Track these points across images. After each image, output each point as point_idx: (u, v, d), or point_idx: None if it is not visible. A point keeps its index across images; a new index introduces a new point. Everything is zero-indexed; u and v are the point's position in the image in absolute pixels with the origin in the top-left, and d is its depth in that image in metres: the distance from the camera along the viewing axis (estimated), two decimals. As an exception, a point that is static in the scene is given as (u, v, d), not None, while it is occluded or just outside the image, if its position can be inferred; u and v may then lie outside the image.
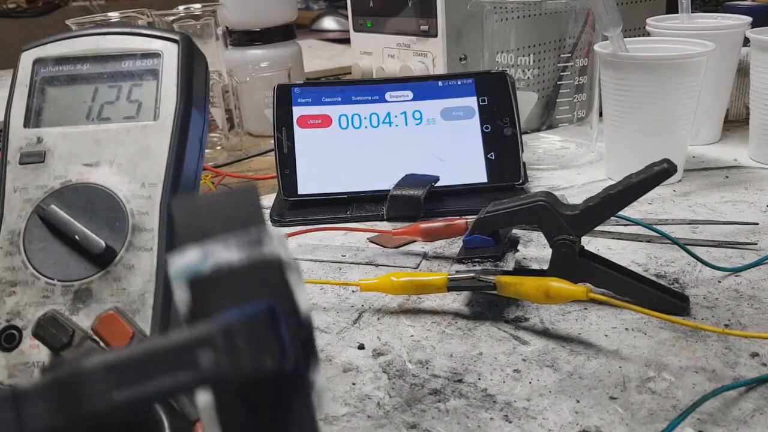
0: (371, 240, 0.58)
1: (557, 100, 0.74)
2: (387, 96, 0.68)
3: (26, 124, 0.40)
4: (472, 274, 0.44)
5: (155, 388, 0.19)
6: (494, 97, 0.67)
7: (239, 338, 0.19)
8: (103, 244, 0.36)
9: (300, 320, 0.21)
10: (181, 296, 0.21)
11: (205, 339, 0.19)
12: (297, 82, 0.69)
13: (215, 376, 0.19)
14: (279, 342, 0.20)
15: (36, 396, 0.18)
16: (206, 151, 0.57)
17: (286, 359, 0.20)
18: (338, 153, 0.65)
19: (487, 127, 0.66)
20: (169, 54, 0.41)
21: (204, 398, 0.20)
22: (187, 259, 0.21)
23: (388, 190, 0.61)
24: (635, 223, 0.53)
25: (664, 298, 0.43)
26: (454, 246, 0.56)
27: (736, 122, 0.82)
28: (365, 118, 0.67)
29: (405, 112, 0.67)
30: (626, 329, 0.43)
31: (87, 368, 0.18)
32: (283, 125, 0.65)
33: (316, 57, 1.37)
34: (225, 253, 0.21)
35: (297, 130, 0.65)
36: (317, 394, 0.21)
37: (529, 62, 0.75)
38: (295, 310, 0.21)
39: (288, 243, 0.22)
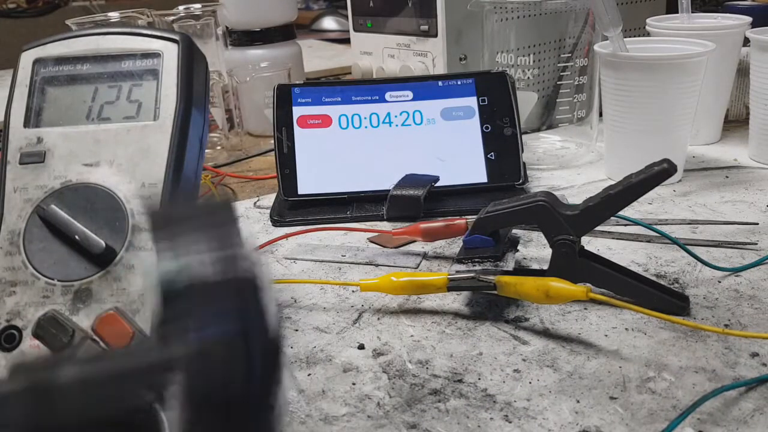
0: (371, 240, 0.58)
1: (557, 100, 0.74)
2: (387, 96, 0.68)
3: (26, 124, 0.40)
4: (472, 274, 0.44)
5: (125, 406, 0.19)
6: (494, 97, 0.67)
7: (211, 361, 0.19)
8: (103, 244, 0.36)
9: (268, 342, 0.21)
10: (155, 306, 0.21)
11: (177, 360, 0.19)
12: (297, 82, 0.69)
13: (185, 397, 0.19)
14: (249, 365, 0.20)
15: (14, 400, 0.18)
16: (206, 151, 0.57)
17: (254, 381, 0.20)
18: (338, 153, 0.65)
19: (487, 127, 0.66)
20: (169, 54, 0.41)
21: (169, 413, 0.20)
22: (163, 271, 0.21)
23: (388, 190, 0.61)
24: (635, 223, 0.53)
25: (664, 298, 0.43)
26: (454, 246, 0.56)
27: (736, 122, 0.82)
28: (365, 118, 0.67)
29: (405, 112, 0.67)
30: (626, 329, 0.43)
31: (64, 381, 0.19)
32: (283, 125, 0.65)
33: (316, 57, 1.37)
34: (200, 267, 0.21)
35: (297, 130, 0.65)
36: (277, 416, 0.21)
37: (529, 62, 0.75)
38: (265, 331, 0.21)
39: (263, 262, 0.22)
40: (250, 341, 0.20)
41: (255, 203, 0.69)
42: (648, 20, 0.76)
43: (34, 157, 0.39)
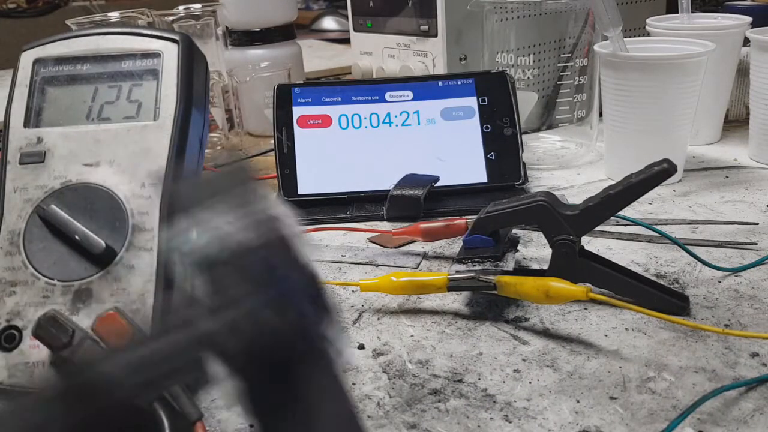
0: (371, 240, 0.58)
1: (557, 100, 0.74)
2: (387, 96, 0.68)
3: (26, 124, 0.40)
4: (472, 274, 0.44)
5: (167, 383, 0.19)
6: (494, 97, 0.67)
7: (262, 325, 0.19)
8: (103, 244, 0.36)
9: (315, 283, 0.21)
10: (196, 281, 0.21)
11: (224, 330, 0.19)
12: (297, 82, 0.69)
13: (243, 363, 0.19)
14: (301, 322, 0.20)
15: (59, 400, 0.19)
16: (206, 151, 0.57)
17: (310, 334, 0.20)
18: (338, 153, 0.65)
19: (487, 127, 0.66)
20: (169, 54, 0.41)
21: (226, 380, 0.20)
22: (197, 243, 0.21)
23: (388, 190, 0.61)
24: (635, 223, 0.53)
25: (664, 298, 0.43)
26: (454, 246, 0.56)
27: (736, 122, 0.81)
28: (365, 118, 0.67)
29: (405, 112, 0.67)
30: (626, 329, 0.43)
31: (108, 372, 0.19)
32: (283, 125, 0.65)
33: (316, 57, 1.37)
34: (232, 234, 0.21)
35: (297, 130, 0.65)
36: (337, 350, 0.21)
37: (529, 62, 0.75)
38: (309, 281, 0.21)
39: (290, 213, 0.22)
40: (295, 296, 0.20)
41: (255, 203, 0.69)
42: (648, 20, 0.76)
43: (34, 157, 0.39)
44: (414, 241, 0.57)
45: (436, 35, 0.79)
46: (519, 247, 0.51)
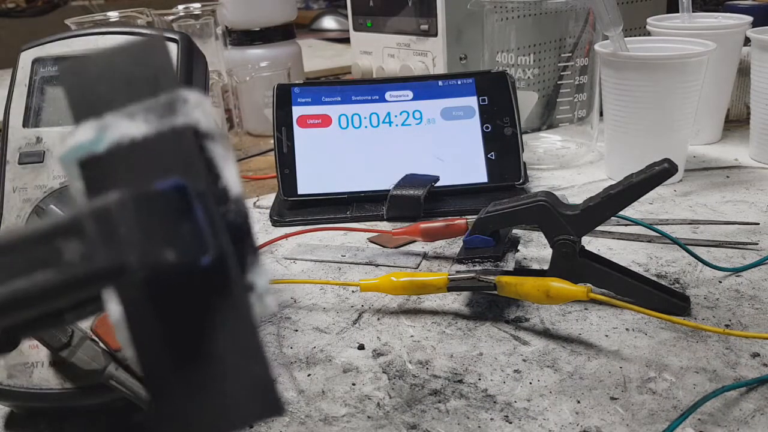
0: (371, 240, 0.58)
1: (558, 99, 0.73)
2: (387, 96, 0.68)
3: (25, 124, 0.40)
4: (472, 274, 0.44)
5: (6, 294, 0.14)
6: (494, 97, 0.67)
7: (120, 224, 0.14)
8: (103, 244, 0.36)
9: (227, 203, 0.16)
10: (73, 184, 0.16)
11: (69, 226, 0.14)
12: (297, 82, 0.68)
13: (87, 275, 0.14)
14: (190, 229, 0.15)
15: None
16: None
17: (202, 251, 0.15)
18: (338, 153, 0.65)
19: (487, 127, 0.66)
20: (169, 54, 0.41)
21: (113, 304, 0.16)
22: (80, 137, 0.16)
23: (388, 190, 0.61)
24: (636, 223, 0.53)
25: (664, 299, 0.43)
26: (454, 246, 0.56)
27: (736, 122, 0.81)
28: (365, 117, 0.67)
29: (405, 112, 0.67)
30: (627, 329, 0.42)
31: None
32: (283, 125, 0.65)
33: (316, 57, 1.37)
34: (128, 125, 0.16)
35: (297, 129, 0.65)
36: (257, 297, 0.16)
37: (530, 62, 0.75)
38: (220, 191, 0.16)
39: (209, 108, 0.17)
40: (190, 199, 0.15)
41: (255, 203, 0.69)
42: (648, 20, 0.76)
43: (34, 157, 0.39)
44: (414, 241, 0.56)
45: (436, 35, 0.79)
46: (519, 247, 0.51)
